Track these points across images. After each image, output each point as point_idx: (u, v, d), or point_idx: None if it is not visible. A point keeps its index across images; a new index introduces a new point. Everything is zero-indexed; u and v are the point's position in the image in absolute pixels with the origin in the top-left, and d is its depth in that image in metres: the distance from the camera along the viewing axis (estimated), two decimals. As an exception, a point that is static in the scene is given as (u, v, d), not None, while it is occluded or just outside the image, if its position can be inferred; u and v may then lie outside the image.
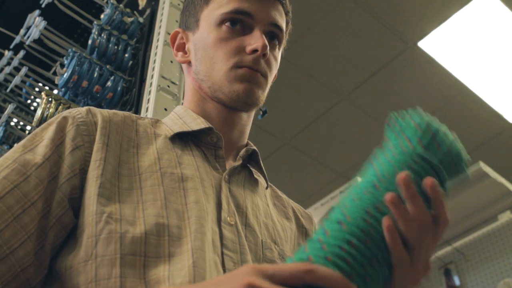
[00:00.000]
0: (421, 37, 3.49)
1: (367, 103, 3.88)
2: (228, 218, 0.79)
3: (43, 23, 1.84)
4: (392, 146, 0.66)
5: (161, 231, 0.71)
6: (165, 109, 1.52)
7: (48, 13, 1.99)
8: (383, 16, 3.35)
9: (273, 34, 0.93)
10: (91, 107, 0.84)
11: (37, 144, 0.76)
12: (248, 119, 0.95)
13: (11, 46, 2.11)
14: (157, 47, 1.69)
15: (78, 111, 0.82)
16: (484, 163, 3.11)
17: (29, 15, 2.00)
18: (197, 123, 0.89)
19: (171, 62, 1.65)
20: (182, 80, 1.64)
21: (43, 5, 2.00)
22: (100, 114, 0.82)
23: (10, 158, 0.74)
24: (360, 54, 3.58)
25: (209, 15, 0.93)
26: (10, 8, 2.77)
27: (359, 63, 3.64)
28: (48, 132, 0.78)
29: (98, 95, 1.68)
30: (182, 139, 0.87)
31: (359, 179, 0.66)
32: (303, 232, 0.96)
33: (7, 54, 2.11)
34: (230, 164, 0.90)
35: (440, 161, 0.63)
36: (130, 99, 1.66)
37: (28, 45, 1.95)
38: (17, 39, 2.05)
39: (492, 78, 3.81)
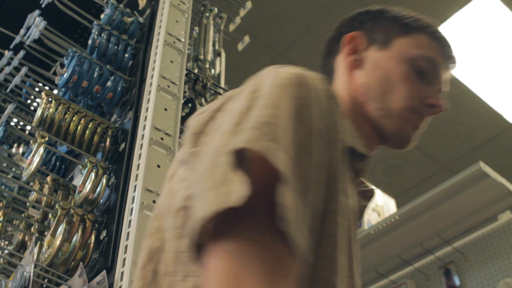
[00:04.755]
0: (421, 37, 3.48)
1: (367, 103, 3.87)
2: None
3: (43, 23, 1.84)
4: None
5: None
6: (165, 109, 1.52)
7: (48, 13, 1.99)
8: (383, 16, 3.35)
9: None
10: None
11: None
12: None
13: (11, 46, 2.11)
14: (157, 47, 1.69)
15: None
16: (484, 163, 3.10)
17: (29, 15, 2.00)
18: (357, 143, 0.79)
19: (171, 62, 1.65)
20: (182, 80, 1.64)
21: (43, 5, 2.00)
22: None
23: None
24: (360, 54, 3.58)
25: (405, 47, 0.93)
26: (10, 8, 2.77)
27: (359, 63, 3.63)
28: None
29: (98, 95, 1.68)
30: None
31: None
32: None
33: (7, 54, 2.11)
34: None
35: None
36: (130, 99, 1.66)
37: (28, 45, 1.95)
38: (17, 39, 2.04)
39: (492, 78, 3.81)
